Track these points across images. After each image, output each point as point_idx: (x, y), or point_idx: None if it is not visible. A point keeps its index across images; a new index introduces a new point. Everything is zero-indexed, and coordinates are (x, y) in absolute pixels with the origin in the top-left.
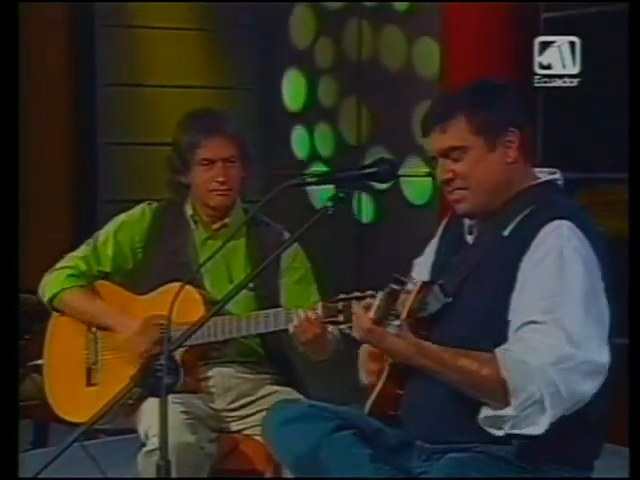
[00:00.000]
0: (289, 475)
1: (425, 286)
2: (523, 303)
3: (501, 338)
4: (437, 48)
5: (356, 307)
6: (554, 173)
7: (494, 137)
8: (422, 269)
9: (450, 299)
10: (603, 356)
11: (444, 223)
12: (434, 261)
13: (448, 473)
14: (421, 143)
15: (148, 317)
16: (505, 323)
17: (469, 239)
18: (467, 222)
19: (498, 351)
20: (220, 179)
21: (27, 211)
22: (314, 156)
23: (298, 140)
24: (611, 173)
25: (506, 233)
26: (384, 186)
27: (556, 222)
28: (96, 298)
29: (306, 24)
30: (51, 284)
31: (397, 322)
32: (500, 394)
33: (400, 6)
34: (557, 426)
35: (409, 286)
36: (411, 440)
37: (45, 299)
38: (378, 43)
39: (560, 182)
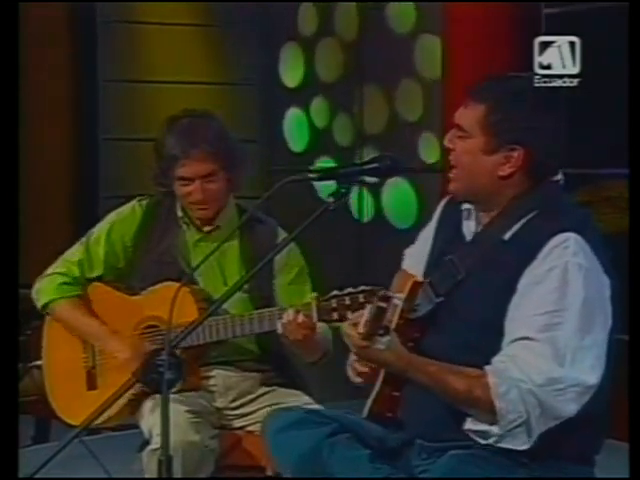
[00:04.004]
0: None
1: (416, 286)
2: (520, 316)
3: (495, 343)
4: (439, 46)
5: (346, 327)
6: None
7: (498, 143)
8: (414, 261)
9: (441, 299)
10: (594, 377)
11: (441, 207)
12: (430, 255)
13: (450, 470)
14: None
15: (138, 326)
16: (500, 329)
17: (465, 231)
18: (464, 209)
19: (490, 372)
20: (198, 197)
21: (28, 207)
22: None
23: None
24: (611, 169)
25: (506, 237)
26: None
27: (563, 235)
28: (87, 314)
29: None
30: (44, 291)
31: (386, 338)
32: (488, 414)
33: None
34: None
35: (395, 301)
36: (411, 439)
37: (38, 305)
38: (380, 44)
39: (562, 181)
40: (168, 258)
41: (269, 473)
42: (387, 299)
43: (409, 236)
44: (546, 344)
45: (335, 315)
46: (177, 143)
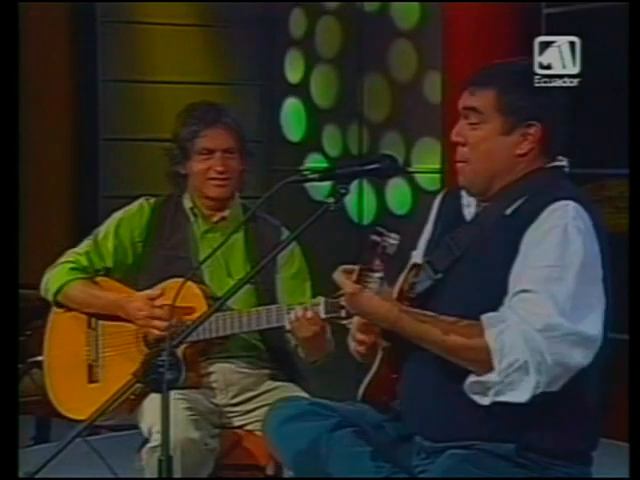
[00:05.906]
0: (290, 473)
1: (416, 266)
2: (521, 273)
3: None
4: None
5: (337, 274)
6: (561, 160)
7: (514, 122)
8: (418, 252)
9: (440, 276)
10: (594, 329)
11: (440, 197)
12: (430, 238)
13: (449, 469)
14: None
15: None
16: (501, 299)
17: (467, 215)
18: (465, 196)
19: (486, 318)
20: (219, 169)
21: (28, 207)
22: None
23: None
24: (611, 169)
25: (508, 212)
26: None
27: (562, 202)
28: (101, 289)
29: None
30: (54, 279)
31: (377, 279)
32: (484, 360)
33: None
34: (554, 419)
35: (391, 240)
36: (410, 435)
37: (49, 294)
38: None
39: (566, 169)
40: (180, 253)
41: (269, 473)
42: (380, 233)
43: (413, 233)
44: (545, 295)
45: (343, 312)
46: (201, 119)
